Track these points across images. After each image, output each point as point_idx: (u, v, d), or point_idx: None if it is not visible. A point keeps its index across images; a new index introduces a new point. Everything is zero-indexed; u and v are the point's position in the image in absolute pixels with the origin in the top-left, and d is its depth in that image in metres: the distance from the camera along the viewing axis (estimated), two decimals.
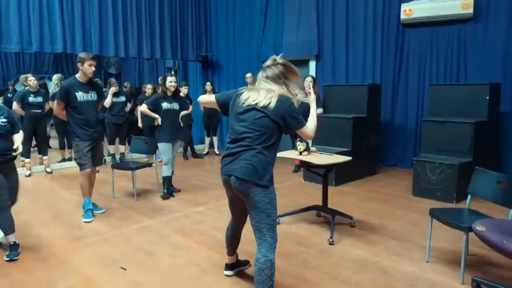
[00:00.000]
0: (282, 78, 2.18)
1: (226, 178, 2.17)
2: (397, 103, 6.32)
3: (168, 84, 4.64)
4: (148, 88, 7.10)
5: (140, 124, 6.88)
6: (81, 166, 3.85)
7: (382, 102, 6.11)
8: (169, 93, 4.69)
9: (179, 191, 4.95)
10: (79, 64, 3.76)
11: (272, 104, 2.09)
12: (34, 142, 6.48)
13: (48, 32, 6.23)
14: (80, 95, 3.78)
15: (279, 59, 2.23)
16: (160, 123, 4.63)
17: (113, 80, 6.58)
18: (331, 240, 3.24)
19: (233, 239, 2.57)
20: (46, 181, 5.72)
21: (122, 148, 6.93)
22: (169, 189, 4.71)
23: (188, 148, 7.44)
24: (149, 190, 5.04)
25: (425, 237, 3.26)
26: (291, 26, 7.22)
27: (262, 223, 2.08)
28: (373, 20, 6.32)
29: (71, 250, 3.17)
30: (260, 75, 2.23)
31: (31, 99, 5.73)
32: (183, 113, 4.91)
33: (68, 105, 3.78)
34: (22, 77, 5.91)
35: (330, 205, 3.72)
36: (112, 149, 6.85)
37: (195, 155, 7.47)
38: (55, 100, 3.88)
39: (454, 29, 5.65)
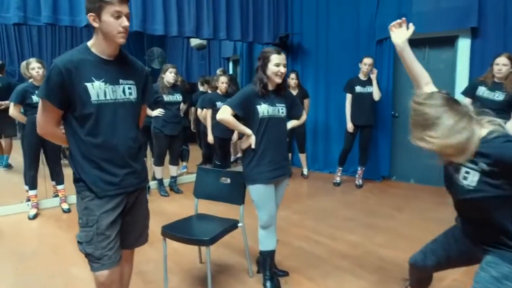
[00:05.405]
0: None
1: None
2: None
3: (272, 69, 2.31)
4: (222, 82, 4.76)
5: (210, 138, 4.68)
6: (94, 262, 1.61)
7: None
8: (270, 87, 2.37)
9: (287, 274, 2.61)
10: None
11: None
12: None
13: None
14: (97, 87, 1.55)
15: None
16: (253, 145, 2.33)
17: (170, 65, 4.38)
18: None
19: None
20: (57, 231, 3.55)
21: (173, 170, 4.71)
22: (273, 277, 2.38)
23: None
24: (229, 269, 2.73)
25: None
26: None
27: None
28: None
29: None
30: None
31: (35, 97, 3.62)
32: (292, 123, 2.60)
33: (72, 111, 1.57)
34: (23, 64, 3.76)
35: None
36: (159, 172, 4.64)
37: None
38: (40, 101, 1.65)
39: None
